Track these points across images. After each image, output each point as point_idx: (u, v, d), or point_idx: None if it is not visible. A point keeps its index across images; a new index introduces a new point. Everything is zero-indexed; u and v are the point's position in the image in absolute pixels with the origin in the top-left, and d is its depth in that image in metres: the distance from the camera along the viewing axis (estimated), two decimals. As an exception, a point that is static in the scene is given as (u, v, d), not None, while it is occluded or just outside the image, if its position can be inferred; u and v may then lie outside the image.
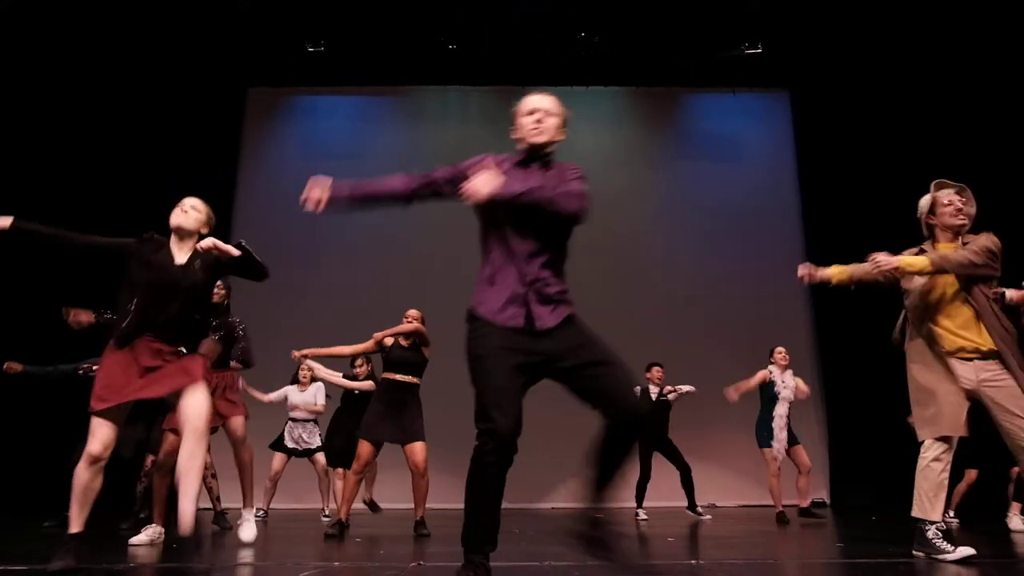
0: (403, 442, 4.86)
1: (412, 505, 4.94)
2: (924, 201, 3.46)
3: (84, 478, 3.02)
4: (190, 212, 3.33)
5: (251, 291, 9.77)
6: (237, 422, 4.60)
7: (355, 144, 9.89)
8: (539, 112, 2.56)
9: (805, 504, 6.22)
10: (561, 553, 3.42)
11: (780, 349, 6.41)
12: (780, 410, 6.22)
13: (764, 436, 6.24)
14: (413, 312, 5.10)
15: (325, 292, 9.12)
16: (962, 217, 3.36)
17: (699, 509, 6.77)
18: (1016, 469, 5.94)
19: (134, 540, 4.17)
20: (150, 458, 6.09)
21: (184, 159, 9.14)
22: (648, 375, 7.08)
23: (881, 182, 8.61)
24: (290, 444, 6.84)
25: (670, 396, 6.93)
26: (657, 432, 6.83)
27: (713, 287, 9.22)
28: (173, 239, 3.30)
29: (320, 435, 6.87)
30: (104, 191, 8.72)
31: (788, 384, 6.30)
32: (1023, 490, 4.19)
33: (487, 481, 2.32)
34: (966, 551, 3.03)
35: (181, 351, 3.17)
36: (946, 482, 3.14)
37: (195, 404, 3.05)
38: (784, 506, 6.14)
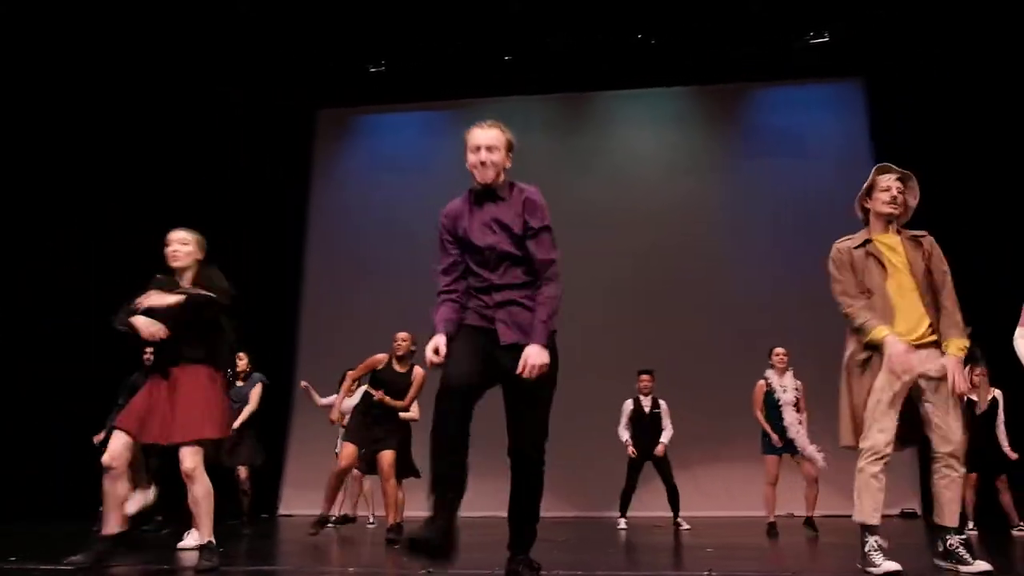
0: (375, 451, 5.22)
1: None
2: (866, 184, 3.35)
3: (104, 485, 3.34)
4: (179, 249, 3.57)
5: (329, 303, 10.06)
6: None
7: (420, 158, 10.08)
8: (482, 150, 2.74)
9: (809, 514, 5.94)
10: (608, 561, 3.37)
11: (778, 350, 6.19)
12: (788, 418, 5.94)
13: (766, 443, 6.03)
14: (403, 335, 5.36)
15: (397, 303, 9.31)
16: (895, 206, 3.25)
17: (679, 520, 6.68)
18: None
19: (182, 544, 4.50)
20: (244, 470, 6.39)
21: (261, 180, 9.56)
22: (637, 384, 6.95)
23: (966, 173, 8.13)
24: None
25: (658, 450, 6.82)
26: (651, 445, 6.77)
27: (784, 290, 8.91)
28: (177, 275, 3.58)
29: None
30: (185, 213, 9.17)
31: (788, 387, 6.05)
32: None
33: (444, 426, 2.53)
34: (892, 566, 2.93)
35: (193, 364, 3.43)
36: (883, 483, 3.06)
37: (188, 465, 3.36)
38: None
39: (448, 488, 2.52)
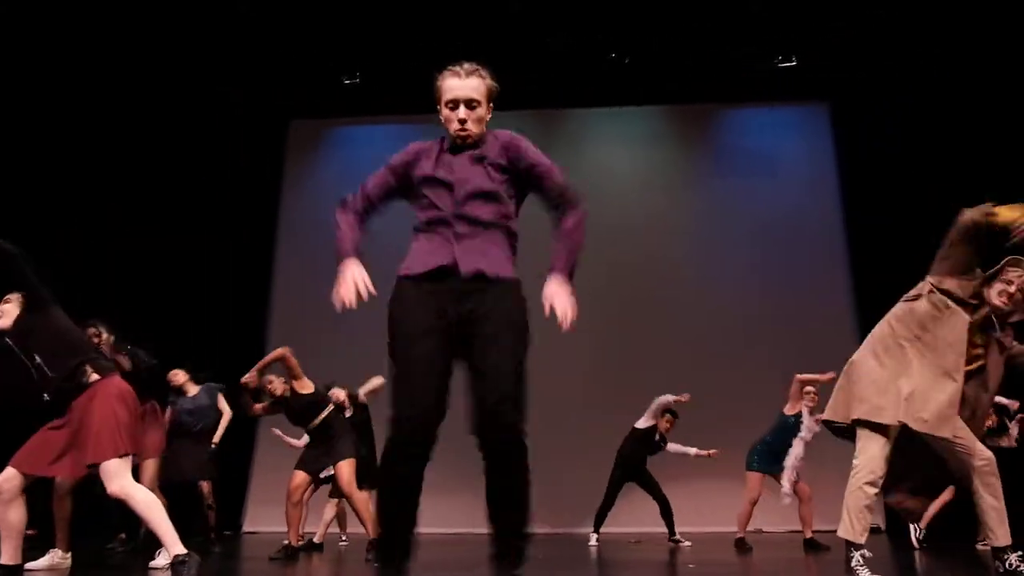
0: (329, 464, 5.16)
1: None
2: (992, 270, 3.16)
3: None
4: None
5: (298, 317, 9.94)
6: (148, 466, 4.59)
7: (393, 171, 10.02)
8: (461, 107, 2.25)
9: (808, 535, 5.90)
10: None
11: (809, 389, 6.04)
12: (798, 450, 5.91)
13: (755, 460, 6.02)
14: (277, 382, 5.36)
15: (367, 319, 9.21)
16: (1008, 303, 3.08)
17: (677, 537, 6.63)
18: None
19: (32, 565, 4.10)
20: (206, 484, 6.20)
21: (230, 191, 9.44)
22: (663, 422, 6.89)
23: (927, 193, 8.37)
24: None
25: (669, 448, 6.87)
26: (633, 463, 6.76)
27: (756, 306, 9.04)
28: None
29: None
30: (152, 223, 9.06)
31: (811, 426, 5.95)
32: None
33: (395, 485, 2.11)
34: None
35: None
36: (874, 502, 3.03)
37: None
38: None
39: (398, 555, 2.13)
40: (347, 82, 9.19)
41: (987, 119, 8.42)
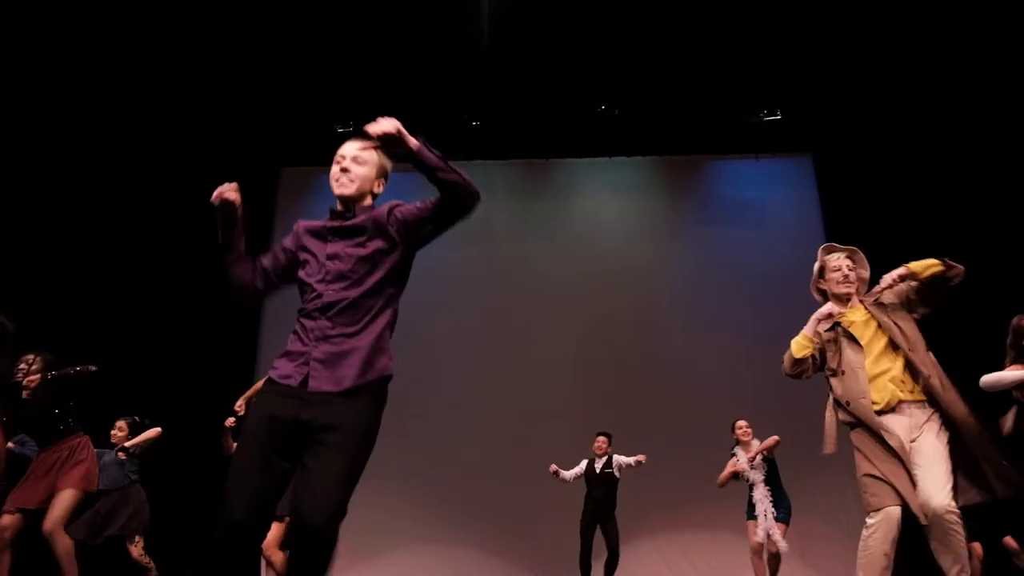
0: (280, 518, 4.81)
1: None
2: (816, 266, 3.34)
3: None
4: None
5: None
6: (63, 497, 3.96)
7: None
8: (345, 159, 2.24)
9: None
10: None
11: (740, 423, 6.04)
12: (756, 494, 5.82)
13: (749, 509, 5.94)
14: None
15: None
16: (848, 284, 3.24)
17: None
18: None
19: None
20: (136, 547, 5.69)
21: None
22: (593, 445, 6.78)
23: (911, 241, 8.44)
24: None
25: (616, 472, 6.69)
26: (602, 507, 6.59)
27: (743, 354, 9.01)
28: None
29: None
30: (142, 271, 9.01)
31: (755, 463, 5.89)
32: None
33: None
34: None
35: None
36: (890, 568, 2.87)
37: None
38: None
39: None
40: (340, 130, 9.31)
41: (968, 169, 8.60)
